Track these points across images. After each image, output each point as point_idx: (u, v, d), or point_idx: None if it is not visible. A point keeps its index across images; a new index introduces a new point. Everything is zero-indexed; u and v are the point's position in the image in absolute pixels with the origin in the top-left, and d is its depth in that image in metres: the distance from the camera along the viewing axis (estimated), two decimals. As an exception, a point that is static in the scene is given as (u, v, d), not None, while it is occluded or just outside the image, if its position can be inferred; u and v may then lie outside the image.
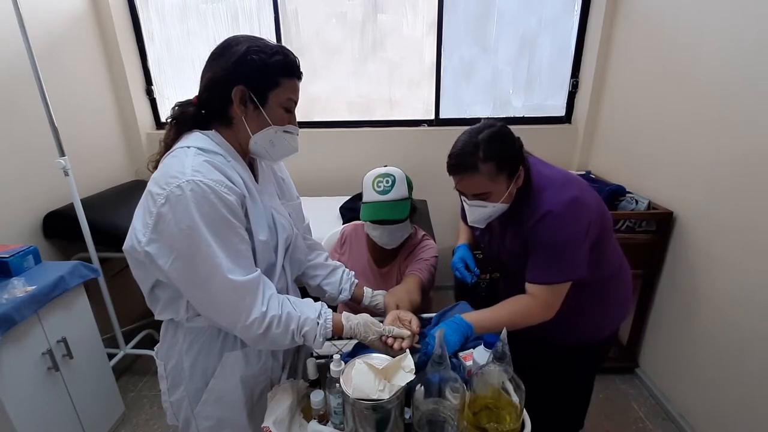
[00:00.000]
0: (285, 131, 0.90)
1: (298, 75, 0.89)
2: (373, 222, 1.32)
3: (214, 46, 0.87)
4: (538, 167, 1.09)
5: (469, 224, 1.18)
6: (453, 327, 0.99)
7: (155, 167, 0.85)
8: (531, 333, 1.08)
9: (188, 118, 0.88)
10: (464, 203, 1.11)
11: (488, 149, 0.97)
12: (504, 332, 0.78)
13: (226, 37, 0.87)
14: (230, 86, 0.83)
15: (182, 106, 0.89)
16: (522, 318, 1.05)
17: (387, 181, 1.30)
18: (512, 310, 1.06)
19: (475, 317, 1.05)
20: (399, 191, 1.30)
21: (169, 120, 0.89)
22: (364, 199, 1.35)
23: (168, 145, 0.88)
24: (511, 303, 1.07)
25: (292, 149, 0.94)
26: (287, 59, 0.86)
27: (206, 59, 0.87)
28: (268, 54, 0.83)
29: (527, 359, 0.96)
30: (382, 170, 1.33)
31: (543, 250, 1.03)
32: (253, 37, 0.86)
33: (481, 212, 1.07)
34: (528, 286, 1.06)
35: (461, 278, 1.25)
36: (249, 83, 0.83)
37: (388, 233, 1.32)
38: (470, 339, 1.01)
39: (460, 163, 1.01)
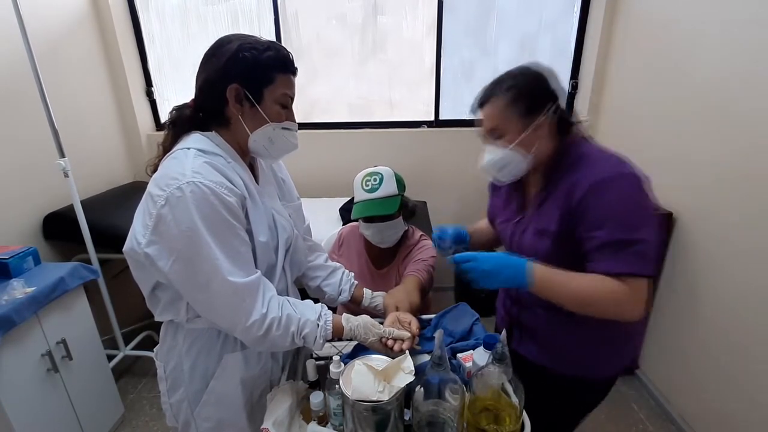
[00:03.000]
0: (283, 128, 0.90)
1: (292, 70, 0.88)
2: (364, 220, 1.34)
3: (211, 48, 0.87)
4: (591, 146, 0.95)
5: (489, 177, 1.00)
6: (503, 258, 0.86)
7: (154, 171, 0.85)
8: (529, 360, 1.03)
9: (185, 121, 0.88)
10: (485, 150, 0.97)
11: (511, 80, 0.90)
12: (504, 333, 0.78)
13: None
14: (224, 86, 0.82)
15: (179, 110, 0.90)
16: (608, 300, 0.82)
17: (375, 180, 1.31)
18: (597, 285, 0.82)
19: (543, 268, 0.86)
20: (387, 188, 1.31)
21: (167, 125, 0.90)
22: (355, 199, 1.36)
23: (166, 149, 0.88)
24: (593, 277, 0.84)
25: (292, 146, 0.93)
26: (280, 54, 0.85)
27: (200, 61, 0.87)
28: (259, 50, 0.83)
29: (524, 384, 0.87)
30: (370, 169, 1.35)
31: (606, 226, 0.82)
32: (244, 34, 0.86)
33: (491, 154, 0.93)
34: (605, 279, 0.83)
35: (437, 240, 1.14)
36: (243, 81, 0.83)
37: (380, 231, 1.33)
38: (519, 288, 0.86)
39: (480, 95, 0.94)
